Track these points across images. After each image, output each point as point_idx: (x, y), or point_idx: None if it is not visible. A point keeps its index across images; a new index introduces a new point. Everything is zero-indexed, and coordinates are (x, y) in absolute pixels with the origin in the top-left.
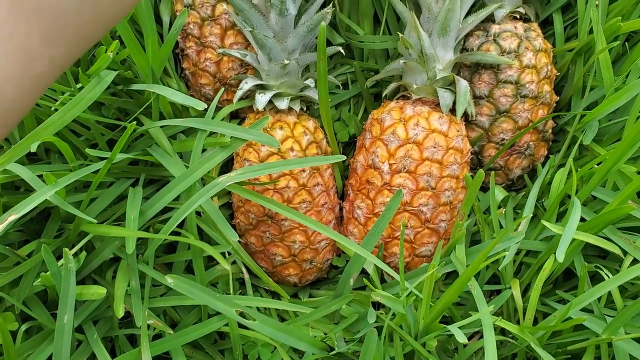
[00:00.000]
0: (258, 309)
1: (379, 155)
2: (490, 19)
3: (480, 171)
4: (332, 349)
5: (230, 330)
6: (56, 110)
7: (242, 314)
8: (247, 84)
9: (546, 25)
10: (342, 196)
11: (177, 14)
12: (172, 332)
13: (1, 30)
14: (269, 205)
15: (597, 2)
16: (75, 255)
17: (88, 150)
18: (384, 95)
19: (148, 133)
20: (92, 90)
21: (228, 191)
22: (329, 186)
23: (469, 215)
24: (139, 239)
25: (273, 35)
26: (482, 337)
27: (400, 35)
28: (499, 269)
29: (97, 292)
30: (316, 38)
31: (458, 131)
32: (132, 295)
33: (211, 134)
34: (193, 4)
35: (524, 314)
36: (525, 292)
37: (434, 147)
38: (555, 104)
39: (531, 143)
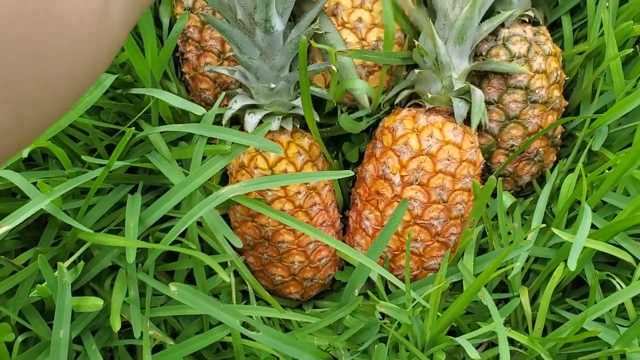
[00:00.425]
0: (261, 318)
1: (390, 166)
2: None
3: (492, 177)
4: (336, 359)
5: (233, 340)
6: None
7: (245, 325)
8: (237, 103)
9: (554, 27)
10: (347, 204)
11: (177, 17)
12: (173, 343)
13: None
14: (274, 216)
15: (607, 4)
16: (75, 263)
17: (85, 158)
18: (395, 102)
19: (147, 138)
20: (90, 94)
21: (226, 206)
22: (328, 203)
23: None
24: (139, 247)
25: (260, 54)
26: (489, 346)
27: (416, 42)
28: (510, 280)
29: (94, 304)
30: None
31: (472, 142)
32: (131, 305)
33: (210, 140)
34: (193, 8)
35: (533, 322)
36: (533, 299)
37: (448, 160)
38: (564, 109)
39: (540, 149)
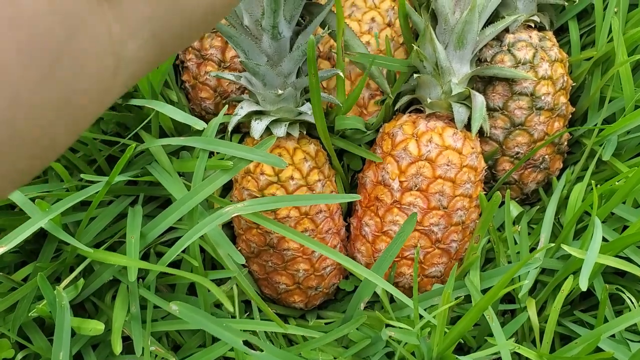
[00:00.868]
0: (265, 332)
1: (389, 171)
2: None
3: (497, 194)
4: None
5: (235, 356)
6: None
7: (247, 343)
8: (243, 109)
9: (560, 32)
10: (349, 210)
11: None
12: (174, 359)
13: None
14: (276, 229)
15: (615, 9)
16: (76, 278)
17: (84, 176)
18: (396, 108)
19: (148, 150)
20: None
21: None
22: (333, 211)
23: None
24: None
25: (267, 60)
26: None
27: (415, 47)
28: (518, 294)
29: (95, 328)
30: None
31: (472, 148)
32: (132, 321)
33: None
34: None
35: (540, 334)
36: (540, 310)
37: (447, 165)
38: (570, 115)
39: (547, 156)
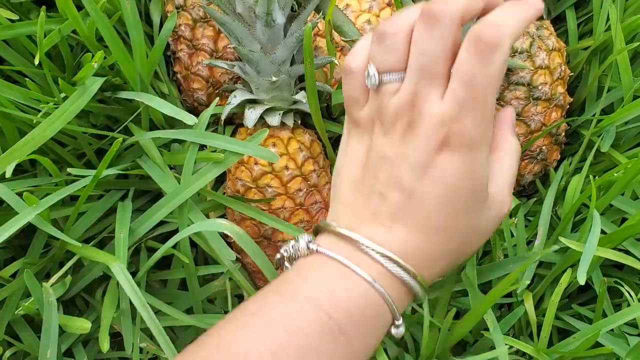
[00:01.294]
0: None
1: None
2: None
3: None
4: None
5: None
6: (39, 123)
7: None
8: (236, 98)
9: (557, 21)
10: None
11: (168, 14)
12: (167, 355)
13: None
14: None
15: None
16: (65, 274)
17: (71, 170)
18: None
19: (138, 143)
20: (77, 101)
21: (224, 205)
22: (329, 202)
23: None
24: (130, 255)
25: (260, 48)
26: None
27: None
28: (517, 291)
29: (81, 326)
30: None
31: None
32: (122, 317)
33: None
34: (184, 5)
35: (538, 328)
36: (538, 303)
37: None
38: (568, 106)
39: (544, 147)
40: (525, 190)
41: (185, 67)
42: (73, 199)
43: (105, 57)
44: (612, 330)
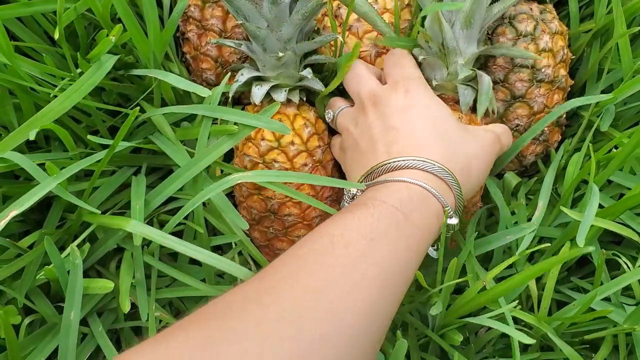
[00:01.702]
0: None
1: None
2: None
3: None
4: None
5: None
6: (55, 96)
7: None
8: (243, 75)
9: (559, 5)
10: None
11: None
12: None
13: None
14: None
15: None
16: (79, 247)
17: (90, 137)
18: None
19: (150, 120)
20: (93, 76)
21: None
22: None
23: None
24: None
25: (267, 25)
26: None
27: (420, 28)
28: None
29: (104, 285)
30: (314, 26)
31: None
32: (138, 287)
33: (213, 120)
34: None
35: (539, 302)
36: (539, 279)
37: None
38: (569, 88)
39: (546, 129)
40: (527, 170)
41: (195, 48)
42: (87, 174)
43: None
44: (609, 300)
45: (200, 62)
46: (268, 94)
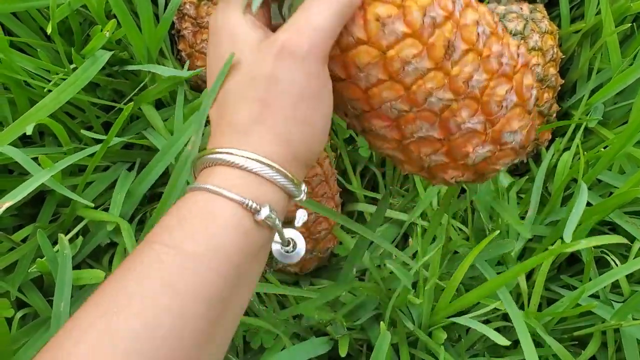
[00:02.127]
0: (258, 294)
1: None
2: None
3: None
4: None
5: None
6: (49, 91)
7: None
8: None
9: (550, 5)
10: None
11: None
12: None
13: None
14: None
15: None
16: (72, 240)
17: (84, 132)
18: None
19: (143, 116)
20: (87, 71)
21: None
22: (329, 175)
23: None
24: (137, 224)
25: None
26: (485, 323)
27: None
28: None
29: (94, 275)
30: None
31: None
32: None
33: None
34: None
35: (529, 299)
36: (529, 276)
37: None
38: (560, 88)
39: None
40: (518, 169)
41: (190, 45)
42: (80, 170)
43: (112, 32)
44: (598, 298)
45: (196, 60)
46: None
